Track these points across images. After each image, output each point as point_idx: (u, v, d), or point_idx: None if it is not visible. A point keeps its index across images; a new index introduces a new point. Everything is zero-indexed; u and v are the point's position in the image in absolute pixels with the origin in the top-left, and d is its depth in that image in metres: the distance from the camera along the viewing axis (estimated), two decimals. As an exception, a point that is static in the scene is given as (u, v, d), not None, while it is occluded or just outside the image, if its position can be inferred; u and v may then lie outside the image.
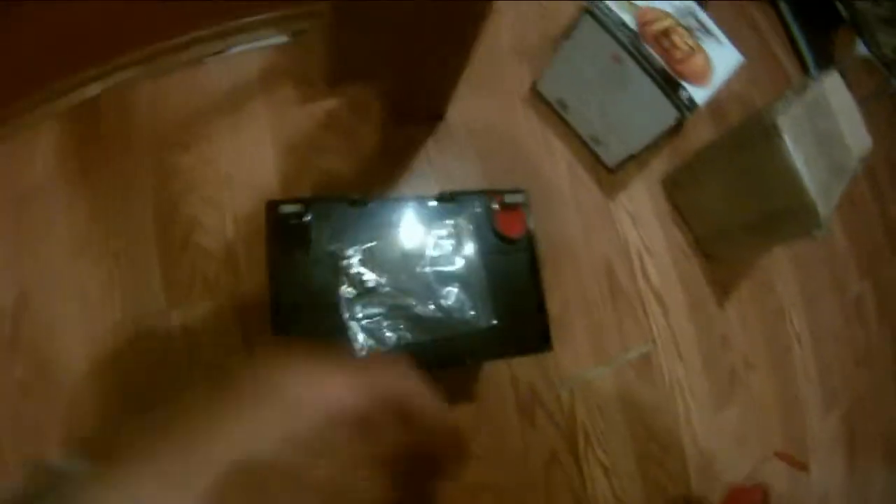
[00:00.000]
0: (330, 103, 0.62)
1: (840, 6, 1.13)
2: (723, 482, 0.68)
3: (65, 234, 0.55)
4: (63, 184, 0.57)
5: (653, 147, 0.64)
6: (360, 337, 0.43)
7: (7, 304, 0.52)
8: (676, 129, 0.61)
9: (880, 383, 0.94)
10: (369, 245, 0.44)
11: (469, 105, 0.64)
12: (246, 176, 0.59)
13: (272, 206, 0.44)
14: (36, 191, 0.56)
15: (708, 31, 0.69)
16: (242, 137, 0.60)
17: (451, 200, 0.47)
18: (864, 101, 1.02)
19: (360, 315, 0.43)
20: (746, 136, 0.64)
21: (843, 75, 1.06)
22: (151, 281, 0.55)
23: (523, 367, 0.58)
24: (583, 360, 0.60)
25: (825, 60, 1.05)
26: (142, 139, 0.59)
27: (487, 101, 0.65)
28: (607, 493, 0.60)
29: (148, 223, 0.57)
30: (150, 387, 0.52)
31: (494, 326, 0.45)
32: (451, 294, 0.45)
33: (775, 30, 1.03)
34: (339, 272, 0.43)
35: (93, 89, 0.61)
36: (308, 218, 0.44)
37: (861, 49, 1.11)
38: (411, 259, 0.45)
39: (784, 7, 1.05)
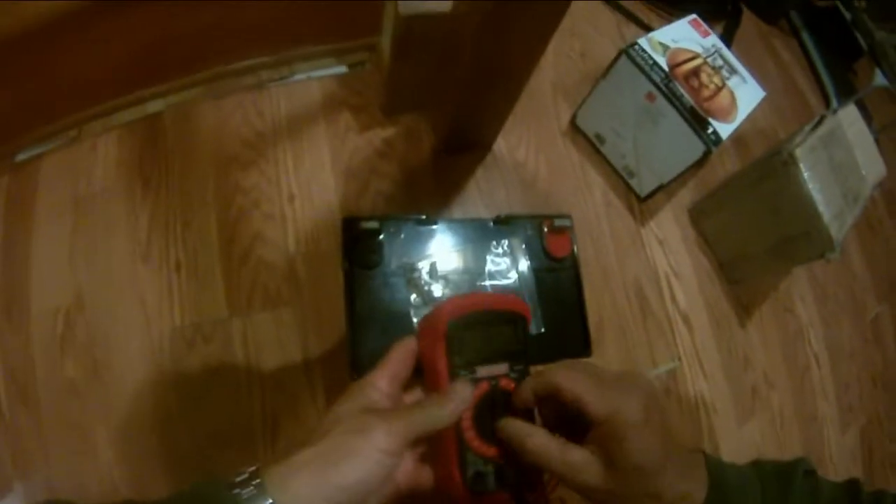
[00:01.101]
0: (386, 132, 0.67)
1: (860, 37, 1.17)
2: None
3: (124, 241, 0.57)
4: (123, 193, 0.59)
5: (681, 178, 0.69)
6: None
7: (61, 304, 0.54)
8: (703, 162, 0.66)
9: (896, 401, 0.97)
10: (436, 259, 0.50)
11: (514, 137, 0.69)
12: (307, 196, 0.62)
13: (349, 222, 0.49)
14: (95, 197, 0.58)
15: (733, 69, 0.74)
16: (304, 160, 0.64)
17: (506, 223, 0.53)
18: (884, 130, 1.06)
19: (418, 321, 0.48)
20: (766, 167, 0.69)
21: (863, 105, 1.10)
22: (212, 291, 0.57)
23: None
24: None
25: (846, 90, 1.09)
26: (205, 155, 0.62)
27: (531, 134, 0.70)
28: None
29: (210, 236, 0.59)
30: (207, 394, 0.54)
31: (542, 334, 0.50)
32: None
33: (798, 62, 1.07)
34: (409, 283, 0.48)
35: (155, 105, 0.64)
36: (381, 235, 0.49)
37: (880, 79, 1.15)
38: (472, 273, 0.51)
39: (807, 39, 1.10)
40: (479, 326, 0.39)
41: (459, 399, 0.34)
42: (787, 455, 0.78)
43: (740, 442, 0.73)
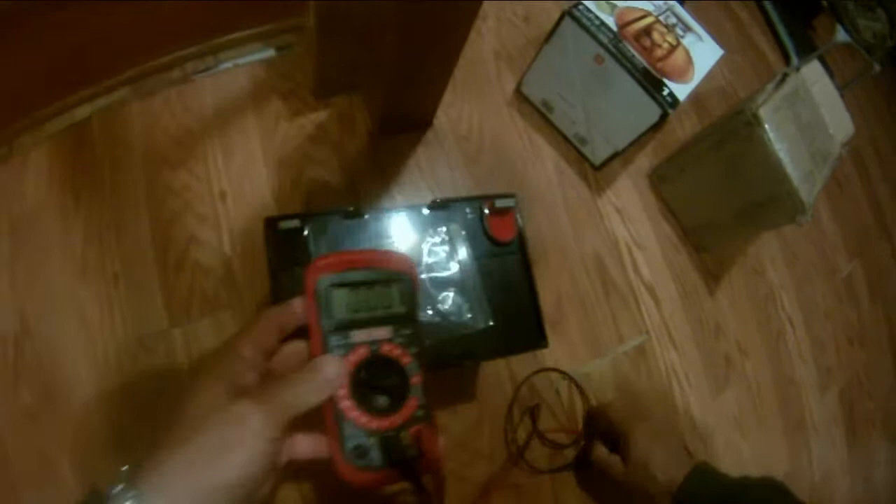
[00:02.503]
0: (319, 116, 0.63)
1: (819, -8, 1.15)
2: (724, 467, 0.70)
3: (60, 259, 0.55)
4: (56, 208, 0.57)
5: (637, 143, 0.65)
6: None
7: (8, 331, 0.52)
8: (660, 126, 0.62)
9: (875, 359, 0.96)
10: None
11: (455, 111, 0.65)
12: (239, 191, 0.59)
13: (270, 222, 0.45)
14: (29, 217, 0.56)
15: (688, 27, 0.70)
16: (234, 154, 0.61)
17: (443, 208, 0.48)
18: (847, 86, 1.04)
19: None
20: (729, 129, 0.65)
21: (825, 62, 1.08)
22: (151, 301, 0.55)
23: (521, 364, 0.59)
24: (579, 354, 0.62)
25: (807, 48, 1.06)
26: (134, 160, 0.59)
27: (473, 106, 0.66)
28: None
29: (144, 243, 0.57)
30: (158, 406, 0.51)
31: (491, 327, 0.46)
32: (448, 298, 0.47)
33: (756, 20, 1.04)
34: None
35: (81, 112, 0.61)
36: (306, 232, 0.45)
37: (842, 35, 1.13)
38: None
39: (763, -4, 1.07)
40: (355, 286, 0.35)
41: (325, 376, 0.32)
42: (766, 424, 0.77)
43: (717, 414, 0.70)
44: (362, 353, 0.34)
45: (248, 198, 0.59)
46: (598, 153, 0.68)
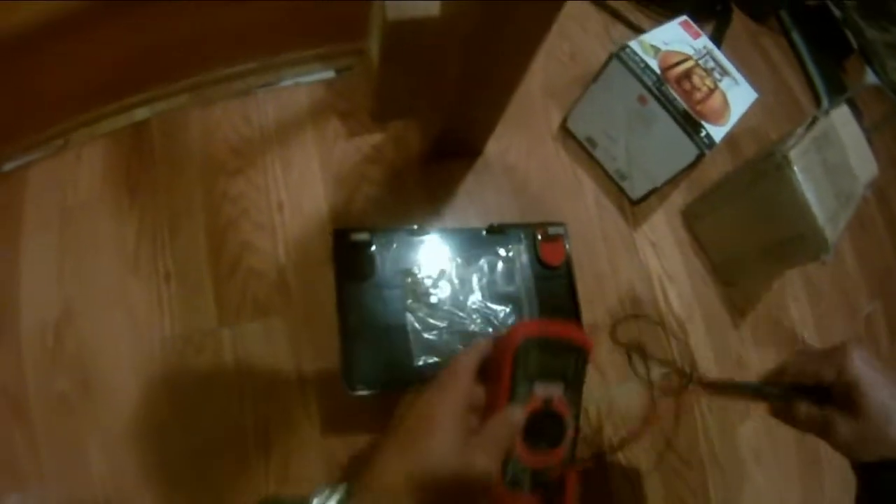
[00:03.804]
0: (375, 137, 0.66)
1: (850, 35, 1.17)
2: (740, 497, 0.72)
3: (112, 252, 0.57)
4: (110, 203, 0.58)
5: (673, 181, 0.68)
6: (419, 353, 0.48)
7: (50, 318, 0.53)
8: (695, 165, 0.66)
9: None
10: (432, 267, 0.49)
11: (505, 142, 0.68)
12: (297, 204, 0.62)
13: (340, 233, 0.49)
14: (81, 208, 0.58)
15: (725, 71, 0.74)
16: (293, 167, 0.63)
17: (499, 232, 0.53)
18: (874, 127, 1.06)
19: (421, 327, 0.48)
20: (759, 169, 0.68)
21: (854, 103, 1.11)
22: (202, 301, 0.57)
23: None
24: (609, 378, 0.65)
25: (837, 89, 1.09)
26: (192, 164, 0.61)
27: (522, 139, 0.70)
28: (631, 502, 0.64)
29: (199, 245, 0.59)
30: (200, 403, 0.54)
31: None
32: (503, 312, 0.51)
33: (788, 61, 1.07)
34: (404, 290, 0.48)
35: (141, 113, 0.63)
36: (373, 246, 0.49)
37: (871, 77, 1.16)
38: (468, 281, 0.51)
39: (797, 38, 1.10)
40: (546, 349, 0.42)
41: (514, 423, 0.39)
42: (781, 458, 0.79)
43: (735, 445, 0.72)
44: (537, 404, 0.41)
45: (306, 210, 0.62)
46: (637, 189, 0.72)
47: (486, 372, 0.43)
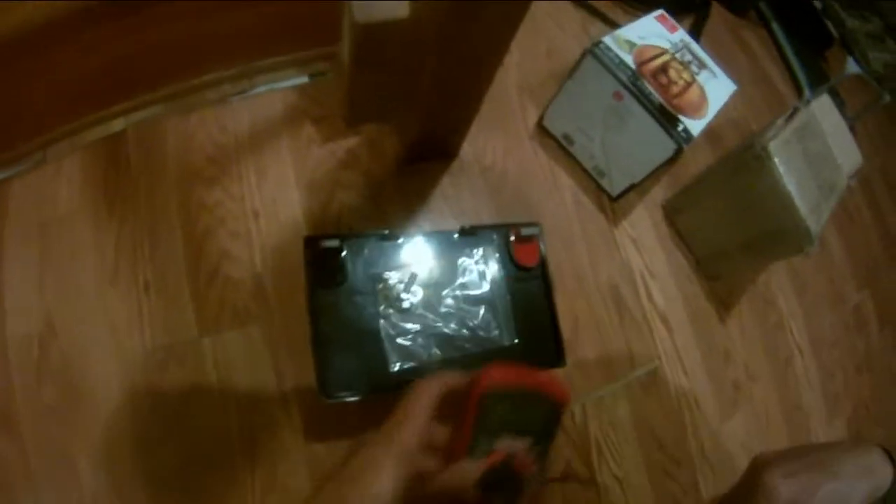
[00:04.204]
0: (349, 142, 0.66)
1: (831, 25, 1.17)
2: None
3: (91, 264, 0.57)
4: (89, 215, 0.58)
5: (653, 175, 0.68)
6: (394, 358, 0.47)
7: (33, 331, 0.53)
8: (674, 160, 0.65)
9: (883, 388, 0.96)
10: (403, 272, 0.49)
11: (480, 142, 0.68)
12: (272, 211, 0.62)
13: (311, 241, 0.48)
14: (61, 221, 0.58)
15: (702, 64, 0.73)
16: (268, 175, 0.63)
17: (471, 234, 0.52)
18: (858, 117, 1.06)
19: (395, 332, 0.48)
20: (740, 162, 0.68)
21: (836, 93, 1.10)
22: (182, 310, 0.57)
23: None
24: (593, 378, 0.64)
25: (819, 80, 1.09)
26: (168, 174, 0.61)
27: (498, 138, 0.69)
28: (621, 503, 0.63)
29: (177, 255, 0.59)
30: (184, 413, 0.54)
31: (515, 345, 0.49)
32: (478, 315, 0.50)
33: (769, 52, 1.07)
34: (376, 295, 0.48)
35: (117, 125, 0.63)
36: (343, 252, 0.48)
37: (853, 67, 1.16)
38: (441, 284, 0.50)
39: (777, 29, 1.10)
40: (515, 401, 0.38)
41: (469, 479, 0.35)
42: (773, 447, 0.78)
43: (725, 439, 0.72)
44: (497, 458, 0.37)
45: (281, 218, 0.62)
46: (616, 185, 0.71)
47: (454, 408, 0.39)
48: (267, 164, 0.64)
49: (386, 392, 0.45)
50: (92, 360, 0.54)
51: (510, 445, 0.38)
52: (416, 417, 0.35)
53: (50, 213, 0.58)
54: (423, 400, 0.36)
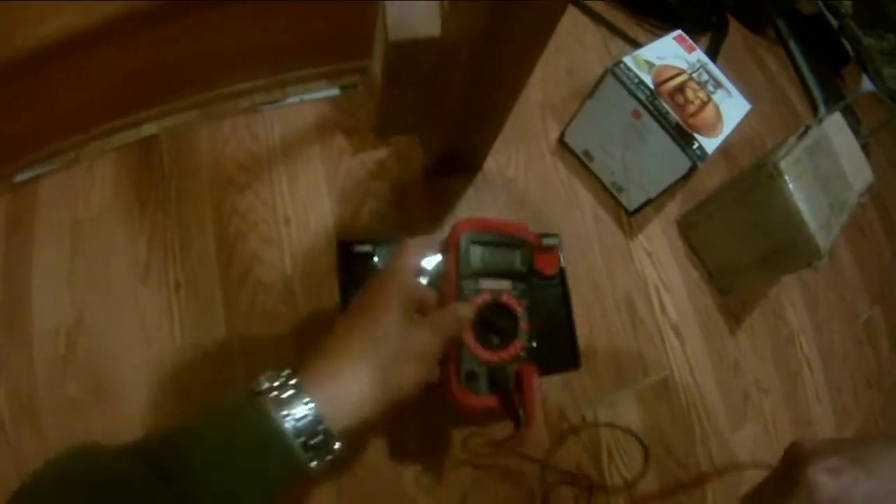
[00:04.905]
0: (379, 153, 0.69)
1: (847, 43, 1.19)
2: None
3: (123, 262, 0.59)
4: (121, 215, 0.61)
5: (668, 192, 0.70)
6: None
7: (62, 324, 0.55)
8: (689, 176, 0.68)
9: (893, 404, 0.97)
10: (430, 274, 0.51)
11: (504, 157, 0.71)
12: (303, 218, 0.65)
13: (345, 245, 0.51)
14: (93, 219, 0.60)
15: (718, 83, 0.76)
16: (299, 182, 0.66)
17: (496, 243, 0.54)
18: (873, 134, 1.07)
19: None
20: (752, 180, 0.70)
21: (851, 110, 1.12)
22: (212, 310, 0.59)
23: (553, 390, 0.64)
24: (606, 385, 0.67)
25: (834, 97, 1.10)
26: (201, 178, 0.64)
27: (520, 153, 0.72)
28: (629, 509, 0.65)
29: (209, 257, 0.61)
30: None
31: (532, 348, 0.52)
32: None
33: (785, 70, 1.09)
34: None
35: (149, 129, 0.66)
36: (376, 258, 0.51)
37: (867, 85, 1.17)
38: None
39: (794, 47, 1.12)
40: (488, 244, 0.44)
41: (462, 314, 0.41)
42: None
43: (734, 447, 0.74)
44: (486, 297, 0.43)
45: (312, 225, 0.65)
46: (633, 200, 0.74)
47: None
48: (298, 172, 0.67)
49: None
50: (119, 356, 0.56)
51: (494, 285, 0.44)
52: (410, 261, 0.40)
53: (82, 211, 0.60)
54: (411, 251, 0.41)
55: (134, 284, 0.58)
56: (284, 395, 0.31)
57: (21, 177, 0.62)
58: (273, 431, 0.30)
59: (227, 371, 0.57)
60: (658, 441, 0.68)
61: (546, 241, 0.53)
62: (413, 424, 0.60)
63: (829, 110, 0.81)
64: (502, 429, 0.60)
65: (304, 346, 0.60)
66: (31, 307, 0.56)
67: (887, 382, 0.98)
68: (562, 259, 0.55)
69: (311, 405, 0.31)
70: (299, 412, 0.30)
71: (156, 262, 0.60)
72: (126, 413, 0.54)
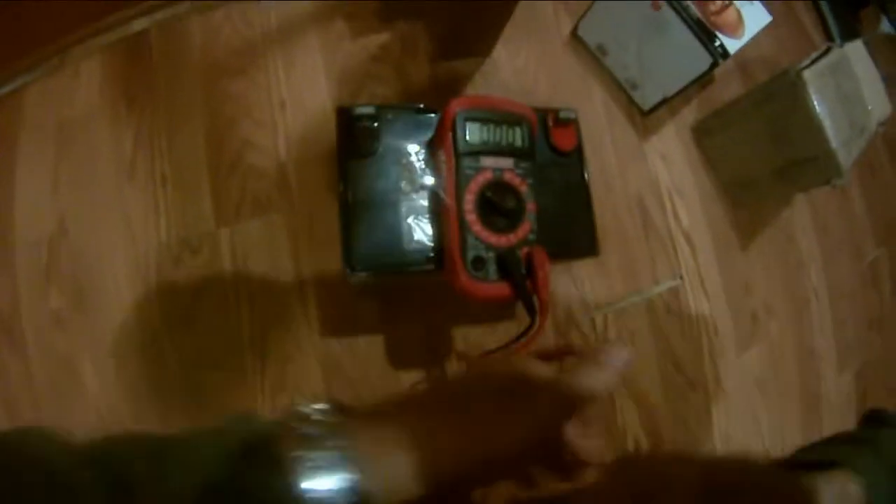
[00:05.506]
0: (381, 37, 0.64)
1: (867, -17, 1.15)
2: (740, 428, 0.71)
3: (108, 161, 0.56)
4: (107, 113, 0.57)
5: (685, 94, 0.67)
6: (408, 237, 0.45)
7: (43, 234, 0.53)
8: (707, 79, 0.64)
9: (891, 348, 0.96)
10: (431, 146, 0.47)
11: (513, 46, 0.66)
12: (299, 101, 0.61)
13: (344, 111, 0.47)
14: (78, 120, 0.57)
15: (740, -10, 0.72)
16: (295, 66, 0.62)
17: (508, 115, 0.50)
18: (888, 77, 1.04)
19: (413, 210, 0.46)
20: (773, 88, 0.67)
21: (868, 51, 1.08)
22: (200, 203, 0.56)
23: (561, 287, 0.61)
24: (616, 287, 0.64)
25: (850, 35, 1.07)
26: (192, 68, 0.60)
27: (531, 45, 0.68)
28: (635, 422, 0.63)
29: (198, 146, 0.58)
30: (194, 310, 0.54)
31: (551, 229, 0.48)
32: None
33: (804, 3, 1.05)
34: (402, 169, 0.46)
35: (140, 24, 0.62)
36: (376, 122, 0.47)
37: (886, 26, 1.14)
38: None
39: (812, -20, 1.08)
40: (486, 121, 0.40)
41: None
42: (784, 390, 0.78)
43: (739, 372, 0.72)
44: (488, 175, 0.40)
45: (308, 107, 0.61)
46: (648, 99, 0.70)
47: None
48: (295, 56, 0.63)
49: (399, 271, 0.44)
50: (103, 259, 0.53)
51: (496, 162, 0.40)
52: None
53: (67, 113, 0.57)
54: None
55: (119, 182, 0.56)
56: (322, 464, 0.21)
57: (4, 90, 0.58)
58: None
59: (214, 267, 0.54)
60: (666, 352, 0.66)
61: (563, 115, 0.50)
62: (412, 328, 0.57)
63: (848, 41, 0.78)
64: (507, 330, 0.57)
65: (297, 238, 0.57)
66: (13, 222, 0.54)
67: (888, 328, 0.97)
68: (580, 135, 0.50)
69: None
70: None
71: (142, 158, 0.57)
72: (108, 320, 0.52)
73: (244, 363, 0.54)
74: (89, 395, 0.51)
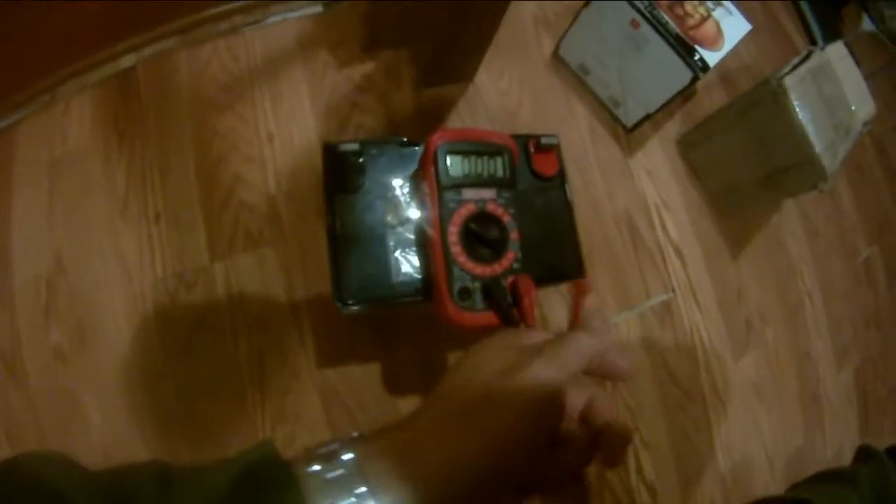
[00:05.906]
0: (366, 67, 0.65)
1: (847, -17, 1.16)
2: (740, 432, 0.71)
3: (101, 198, 0.57)
4: (99, 149, 0.58)
5: (667, 108, 0.68)
6: (396, 269, 0.46)
7: (42, 271, 0.54)
8: (689, 92, 0.65)
9: (890, 346, 0.96)
10: (415, 179, 0.48)
11: (496, 69, 0.67)
12: (287, 135, 0.61)
13: (329, 146, 0.47)
14: (71, 157, 0.58)
15: (718, 1, 0.73)
16: (283, 100, 0.63)
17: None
18: (872, 75, 1.05)
19: (400, 243, 0.47)
20: (755, 97, 0.68)
21: (850, 50, 1.09)
22: (193, 238, 0.57)
23: (552, 309, 0.61)
24: (608, 304, 0.64)
25: (833, 36, 1.08)
26: (180, 104, 0.61)
27: (513, 66, 0.69)
28: (634, 435, 0.63)
29: (189, 183, 0.58)
30: (192, 343, 0.54)
31: (537, 254, 0.48)
32: None
33: (785, 6, 1.06)
34: (385, 203, 0.47)
35: (128, 60, 0.63)
36: (361, 158, 0.48)
37: (868, 24, 1.14)
38: None
39: (792, -17, 1.09)
40: (467, 154, 0.41)
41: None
42: (783, 393, 0.78)
43: (737, 378, 0.72)
44: (471, 207, 0.40)
45: (296, 141, 0.62)
46: (631, 115, 0.71)
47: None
48: (282, 89, 0.63)
49: (389, 304, 0.45)
50: (100, 295, 0.54)
51: (478, 194, 0.41)
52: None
53: (59, 151, 0.58)
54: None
55: (112, 219, 0.56)
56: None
57: (-3, 126, 0.59)
58: None
59: (210, 300, 0.55)
60: (661, 364, 0.66)
61: (544, 141, 0.50)
62: (406, 353, 0.58)
63: (830, 43, 0.79)
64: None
65: (290, 270, 0.57)
66: (11, 258, 0.55)
67: (885, 325, 0.97)
68: (561, 159, 0.51)
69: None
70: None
71: (134, 194, 0.57)
72: (108, 355, 0.52)
73: (244, 395, 0.55)
74: (92, 428, 0.51)
